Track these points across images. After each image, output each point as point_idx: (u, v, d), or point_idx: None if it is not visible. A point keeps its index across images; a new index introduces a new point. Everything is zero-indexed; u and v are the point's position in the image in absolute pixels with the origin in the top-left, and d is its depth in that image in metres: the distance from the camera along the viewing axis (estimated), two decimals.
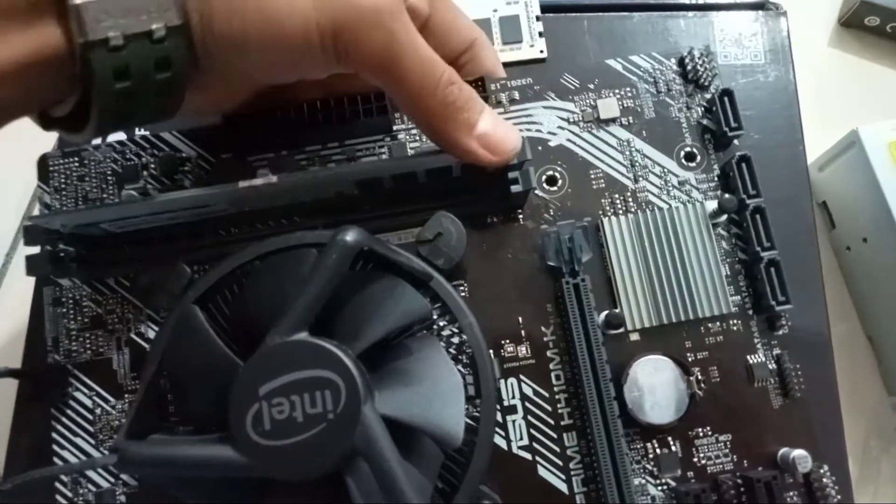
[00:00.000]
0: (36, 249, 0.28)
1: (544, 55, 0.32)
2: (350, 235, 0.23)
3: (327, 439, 0.21)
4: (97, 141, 0.32)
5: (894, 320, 0.34)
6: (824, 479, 0.28)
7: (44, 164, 0.30)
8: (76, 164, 0.30)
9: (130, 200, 0.28)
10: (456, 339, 0.28)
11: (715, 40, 0.33)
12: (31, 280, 0.29)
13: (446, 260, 0.26)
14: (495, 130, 0.25)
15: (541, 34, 0.32)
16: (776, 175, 0.31)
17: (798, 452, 0.27)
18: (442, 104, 0.24)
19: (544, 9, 0.33)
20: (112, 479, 0.27)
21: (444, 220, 0.26)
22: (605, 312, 0.29)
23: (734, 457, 0.28)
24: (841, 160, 0.35)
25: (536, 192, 0.30)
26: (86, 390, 0.28)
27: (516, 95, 0.32)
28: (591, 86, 0.32)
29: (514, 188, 0.28)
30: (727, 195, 0.29)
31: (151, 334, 0.29)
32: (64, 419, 0.28)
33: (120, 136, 0.31)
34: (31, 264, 0.27)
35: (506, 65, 0.31)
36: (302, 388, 0.22)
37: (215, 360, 0.23)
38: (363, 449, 0.21)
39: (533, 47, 0.32)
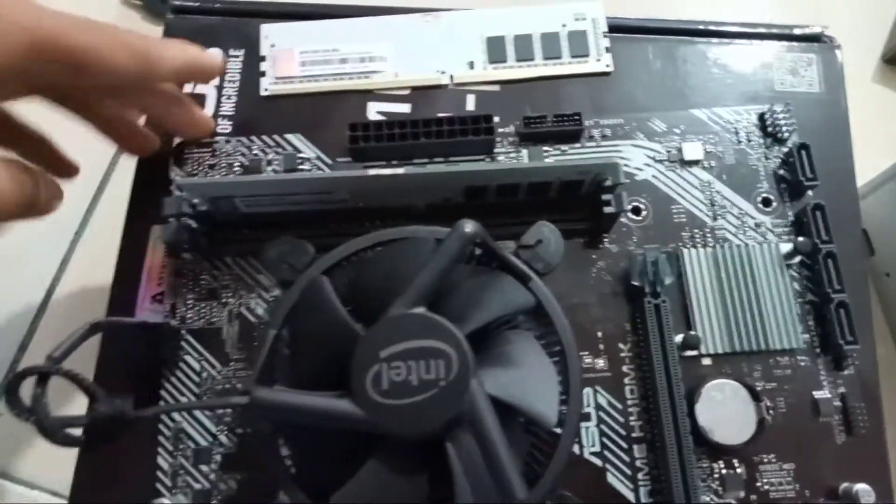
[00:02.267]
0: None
1: (610, 69, 0.35)
2: (469, 227, 0.26)
3: (438, 403, 0.23)
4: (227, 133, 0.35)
5: None
6: None
7: (180, 150, 0.34)
8: (209, 154, 0.34)
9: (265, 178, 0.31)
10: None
11: (772, 68, 0.36)
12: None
13: (545, 265, 0.28)
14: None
15: (607, 49, 0.36)
16: (827, 203, 0.32)
17: (861, 486, 0.29)
18: None
19: (610, 28, 0.36)
20: (210, 439, 0.29)
21: (544, 228, 0.29)
22: (683, 334, 0.31)
23: (797, 486, 0.29)
24: (884, 189, 0.37)
25: (622, 219, 0.33)
26: (196, 354, 0.31)
27: (608, 133, 0.35)
28: (678, 131, 0.35)
29: (607, 209, 0.31)
30: (801, 238, 0.31)
31: (260, 311, 0.31)
32: (173, 378, 0.30)
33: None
34: (169, 234, 0.30)
35: (575, 76, 0.35)
36: (418, 355, 0.24)
37: (337, 327, 0.25)
38: (470, 416, 0.23)
39: (599, 61, 0.36)
